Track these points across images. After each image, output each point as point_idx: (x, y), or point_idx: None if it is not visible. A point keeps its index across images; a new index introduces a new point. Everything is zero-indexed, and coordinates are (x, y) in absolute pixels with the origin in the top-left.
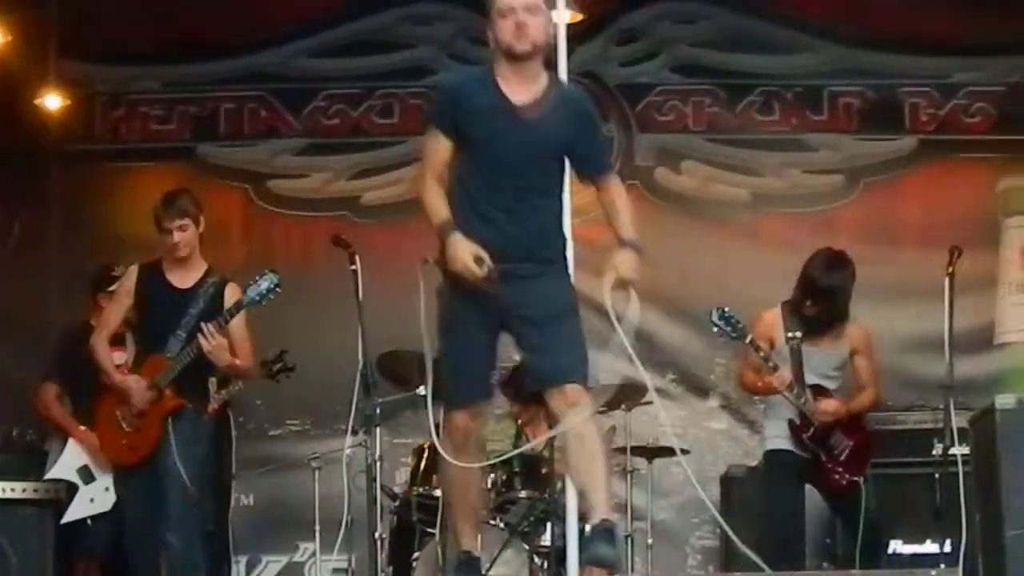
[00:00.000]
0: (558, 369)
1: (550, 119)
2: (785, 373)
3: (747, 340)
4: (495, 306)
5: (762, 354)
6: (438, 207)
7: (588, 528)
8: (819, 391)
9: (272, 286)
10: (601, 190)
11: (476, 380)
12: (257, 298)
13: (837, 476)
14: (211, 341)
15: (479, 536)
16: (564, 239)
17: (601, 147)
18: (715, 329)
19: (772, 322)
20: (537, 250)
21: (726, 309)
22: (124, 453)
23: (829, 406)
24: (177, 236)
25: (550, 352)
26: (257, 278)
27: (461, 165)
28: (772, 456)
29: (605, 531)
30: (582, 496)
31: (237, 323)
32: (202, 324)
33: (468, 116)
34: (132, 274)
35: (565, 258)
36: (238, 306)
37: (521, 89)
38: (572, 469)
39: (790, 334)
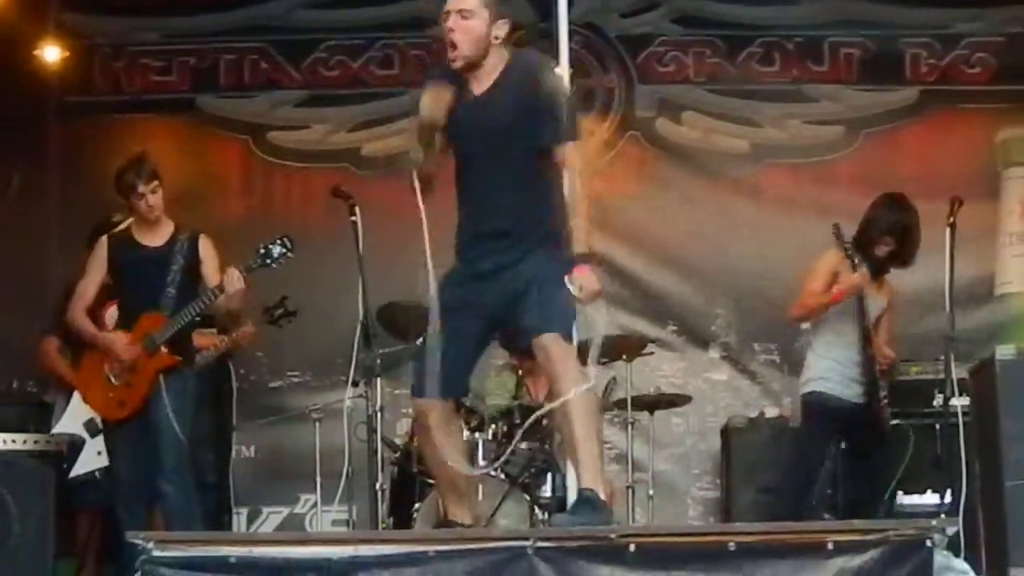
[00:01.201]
0: (537, 324)
1: (498, 94)
2: (865, 271)
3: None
4: (488, 299)
5: (848, 250)
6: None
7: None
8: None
9: (284, 251)
10: (559, 159)
11: (448, 378)
12: (269, 261)
13: (884, 418)
14: (237, 285)
15: (467, 506)
16: (557, 217)
17: (555, 113)
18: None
19: (838, 258)
20: (522, 235)
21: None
22: (112, 408)
23: (890, 353)
24: (152, 199)
25: (531, 311)
26: (268, 244)
27: (454, 159)
28: (813, 399)
29: (585, 500)
30: (571, 461)
31: (208, 271)
32: (230, 270)
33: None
34: (103, 245)
35: (556, 235)
36: (260, 259)
37: (482, 80)
38: (561, 434)
39: (863, 268)
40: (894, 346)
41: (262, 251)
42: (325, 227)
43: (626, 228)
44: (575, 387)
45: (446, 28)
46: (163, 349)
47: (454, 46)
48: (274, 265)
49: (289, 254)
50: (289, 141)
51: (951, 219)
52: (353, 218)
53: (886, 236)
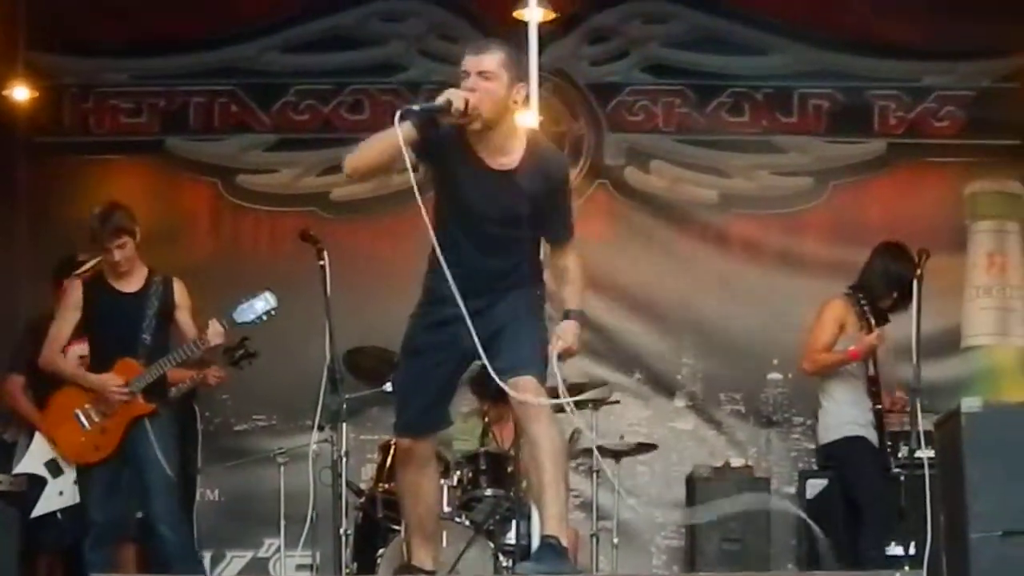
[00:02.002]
0: (511, 363)
1: (519, 179)
2: (880, 331)
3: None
4: (462, 341)
5: (864, 306)
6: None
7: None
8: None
9: (268, 308)
10: (556, 254)
11: (427, 410)
12: (252, 318)
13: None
14: (218, 340)
15: (432, 551)
16: (535, 261)
17: (564, 215)
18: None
19: (844, 309)
20: (503, 282)
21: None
22: (87, 452)
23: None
24: (117, 254)
25: (505, 352)
26: (250, 297)
27: (438, 199)
28: (859, 443)
29: (548, 548)
30: (536, 506)
31: (184, 318)
32: (212, 323)
33: (441, 158)
34: (77, 288)
35: (532, 279)
36: (230, 323)
37: (494, 155)
38: (527, 479)
39: (878, 330)
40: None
41: (244, 304)
42: (293, 271)
43: (594, 276)
44: (547, 431)
45: (464, 87)
46: (139, 396)
47: (474, 108)
48: (256, 322)
49: (273, 312)
50: (258, 184)
51: (919, 271)
52: (321, 262)
53: (892, 290)
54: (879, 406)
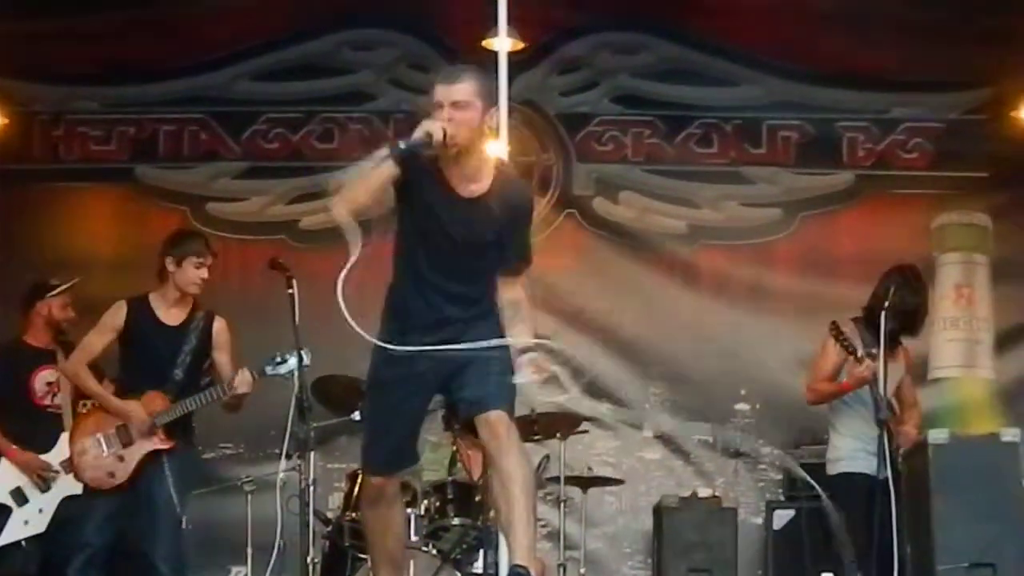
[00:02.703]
0: (481, 398)
1: (487, 208)
2: (871, 363)
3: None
4: (428, 374)
5: (847, 345)
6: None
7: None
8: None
9: (302, 363)
10: (507, 284)
11: (397, 449)
12: (284, 372)
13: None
14: (246, 388)
15: None
16: (495, 295)
17: (525, 243)
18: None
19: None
20: (468, 311)
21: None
22: (101, 477)
23: (912, 432)
24: (205, 273)
25: (473, 384)
26: (285, 354)
27: (403, 227)
28: (846, 480)
29: None
30: (505, 536)
31: (222, 359)
32: (243, 371)
33: (417, 187)
34: (121, 309)
35: (495, 310)
36: (275, 366)
37: (463, 182)
38: (496, 509)
39: (872, 350)
40: (917, 408)
41: (279, 360)
42: (262, 299)
43: (562, 306)
44: (518, 463)
45: (439, 118)
46: (159, 431)
47: (452, 138)
48: (287, 377)
49: (305, 368)
50: (227, 212)
51: (886, 303)
52: (290, 290)
53: (897, 314)
54: (884, 433)
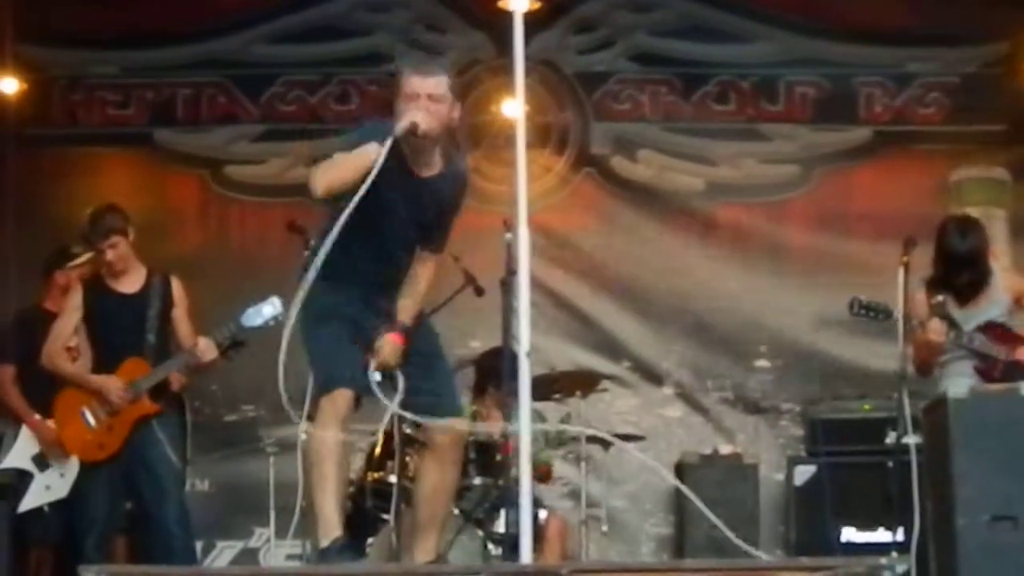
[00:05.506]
0: (437, 409)
1: (436, 189)
2: (936, 322)
3: (892, 316)
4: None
5: (912, 321)
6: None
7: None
8: (994, 326)
9: (275, 314)
10: (419, 261)
11: (355, 366)
12: (259, 323)
13: None
14: (209, 356)
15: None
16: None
17: (447, 228)
18: (862, 317)
19: (920, 300)
20: (394, 291)
21: (862, 298)
22: (91, 450)
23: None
24: (110, 254)
25: (426, 391)
26: (257, 302)
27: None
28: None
29: None
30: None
31: (179, 315)
32: (201, 340)
33: (384, 170)
34: (77, 291)
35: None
36: (239, 327)
37: (423, 163)
38: (415, 507)
39: (933, 300)
40: None
41: (251, 309)
42: (281, 261)
43: (580, 265)
44: (442, 472)
45: (416, 108)
46: (145, 396)
47: (431, 129)
48: (264, 326)
49: (280, 317)
50: (246, 175)
51: (905, 259)
52: (308, 252)
53: (953, 272)
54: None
